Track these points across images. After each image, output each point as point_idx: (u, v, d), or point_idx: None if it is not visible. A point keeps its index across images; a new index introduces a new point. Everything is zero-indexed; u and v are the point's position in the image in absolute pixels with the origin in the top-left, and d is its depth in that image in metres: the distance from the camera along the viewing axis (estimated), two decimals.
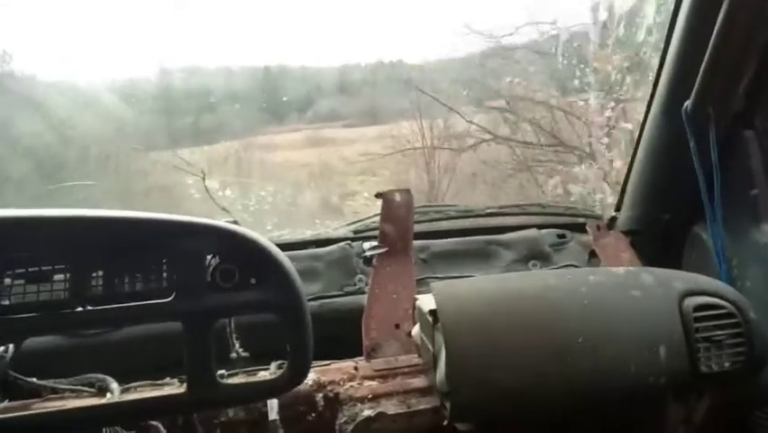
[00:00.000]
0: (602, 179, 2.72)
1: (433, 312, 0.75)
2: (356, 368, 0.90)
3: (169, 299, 0.64)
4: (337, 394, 0.84)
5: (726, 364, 0.73)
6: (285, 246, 0.86)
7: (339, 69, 4.20)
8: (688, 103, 0.99)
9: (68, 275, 0.62)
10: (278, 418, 0.78)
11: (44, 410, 0.66)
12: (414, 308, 0.89)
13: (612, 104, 2.79)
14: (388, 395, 0.85)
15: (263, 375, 0.74)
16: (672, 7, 1.03)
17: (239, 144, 3.70)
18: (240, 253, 0.66)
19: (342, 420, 0.82)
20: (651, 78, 1.15)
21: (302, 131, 4.23)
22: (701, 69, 0.94)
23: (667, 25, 1.06)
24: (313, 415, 0.82)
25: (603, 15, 2.68)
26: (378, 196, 1.08)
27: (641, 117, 1.18)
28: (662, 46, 1.08)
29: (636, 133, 1.20)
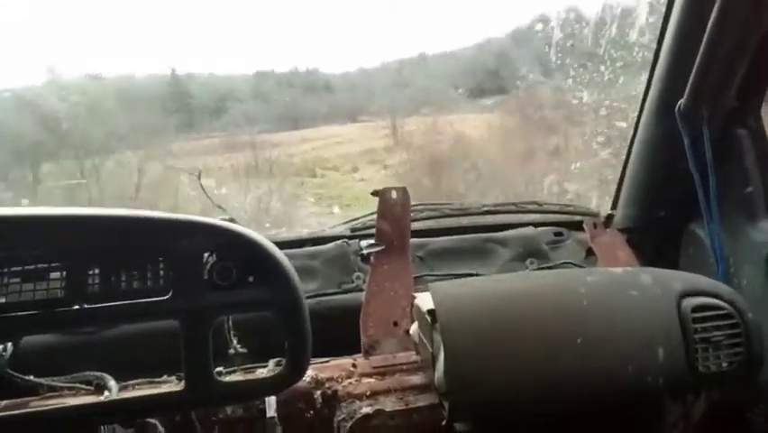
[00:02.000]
0: None
1: (431, 312, 0.75)
2: (354, 365, 0.90)
3: (166, 297, 0.64)
4: (335, 391, 0.84)
5: (724, 365, 0.73)
6: (282, 244, 0.86)
7: (253, 76, 4.19)
8: (681, 102, 1.00)
9: (64, 273, 0.62)
10: (276, 415, 0.78)
11: (42, 408, 0.66)
12: (412, 306, 0.89)
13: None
14: (386, 392, 0.85)
15: (261, 373, 0.74)
16: (664, 7, 1.04)
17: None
18: (237, 252, 0.66)
19: (340, 417, 0.82)
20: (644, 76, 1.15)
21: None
22: (694, 68, 0.94)
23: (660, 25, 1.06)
24: (311, 412, 0.82)
25: None
26: (374, 194, 1.07)
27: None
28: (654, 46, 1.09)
29: (631, 131, 1.21)
